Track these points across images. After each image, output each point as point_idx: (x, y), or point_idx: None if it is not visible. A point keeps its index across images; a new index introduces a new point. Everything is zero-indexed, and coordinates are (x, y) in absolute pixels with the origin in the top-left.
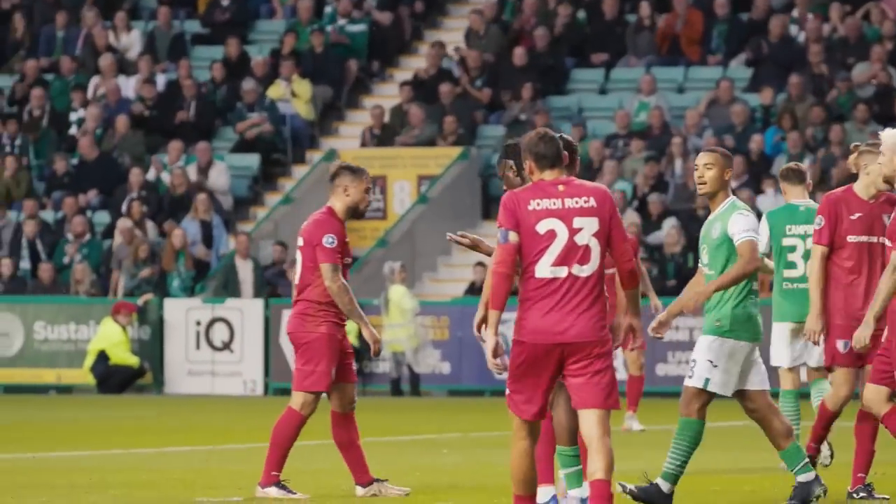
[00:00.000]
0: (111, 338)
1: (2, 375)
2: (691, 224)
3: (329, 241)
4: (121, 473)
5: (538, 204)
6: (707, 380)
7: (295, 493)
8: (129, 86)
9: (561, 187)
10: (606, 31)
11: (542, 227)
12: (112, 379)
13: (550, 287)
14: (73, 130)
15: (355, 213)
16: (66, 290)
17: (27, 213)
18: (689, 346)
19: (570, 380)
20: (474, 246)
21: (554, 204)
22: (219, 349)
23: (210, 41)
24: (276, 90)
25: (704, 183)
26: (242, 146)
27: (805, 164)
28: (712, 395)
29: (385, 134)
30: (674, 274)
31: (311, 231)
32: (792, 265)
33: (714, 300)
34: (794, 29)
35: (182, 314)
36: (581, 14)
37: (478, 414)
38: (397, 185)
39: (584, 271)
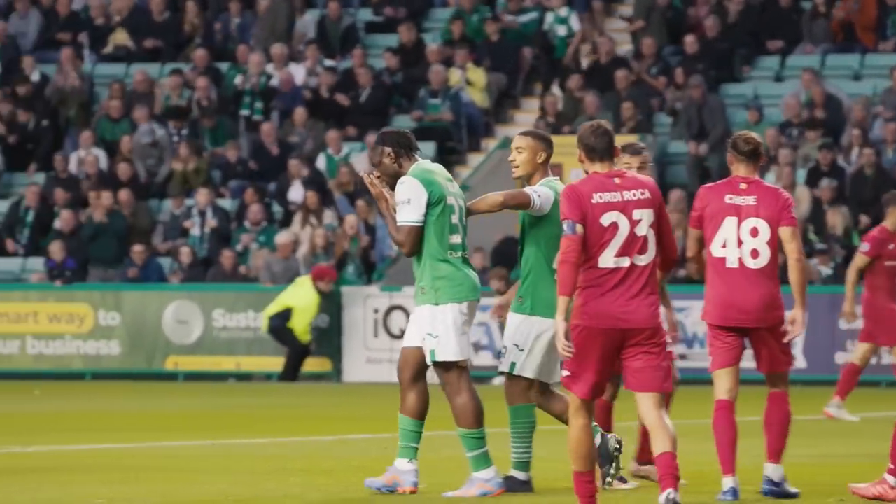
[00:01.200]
0: (305, 301)
1: (181, 363)
2: (861, 211)
3: None
4: (300, 461)
5: (601, 197)
6: (513, 364)
7: (627, 482)
8: (301, 74)
9: (617, 180)
10: (782, 18)
11: (606, 219)
12: (281, 339)
13: (613, 276)
14: (246, 119)
15: None
16: (251, 278)
17: (204, 201)
18: None
19: (629, 363)
20: (377, 198)
21: (614, 197)
22: (397, 337)
23: (383, 29)
24: (451, 78)
25: (517, 166)
26: (418, 134)
27: None
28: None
29: (560, 121)
30: (842, 260)
31: None
32: None
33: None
34: None
35: (360, 302)
36: (756, 1)
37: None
38: (573, 172)
39: (643, 260)
